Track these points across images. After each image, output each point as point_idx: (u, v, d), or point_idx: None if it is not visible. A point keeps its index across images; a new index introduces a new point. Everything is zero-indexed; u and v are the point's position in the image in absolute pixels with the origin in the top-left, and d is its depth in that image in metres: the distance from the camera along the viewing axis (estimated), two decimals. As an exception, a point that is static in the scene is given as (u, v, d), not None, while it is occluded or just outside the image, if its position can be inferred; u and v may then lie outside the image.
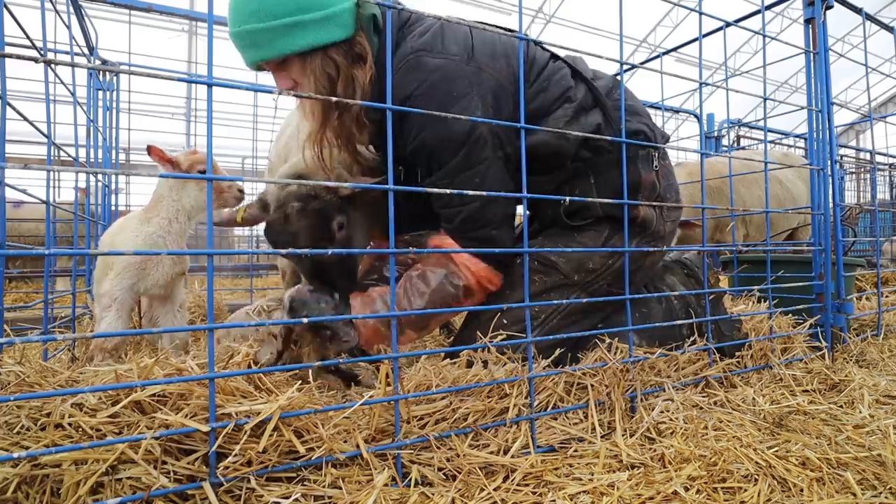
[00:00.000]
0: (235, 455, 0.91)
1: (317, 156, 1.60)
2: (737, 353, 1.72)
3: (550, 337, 1.33)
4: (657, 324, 1.56)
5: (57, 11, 1.93)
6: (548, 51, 1.65)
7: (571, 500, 0.94)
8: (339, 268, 1.64)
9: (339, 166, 1.73)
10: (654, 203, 1.57)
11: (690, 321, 1.68)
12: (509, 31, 1.56)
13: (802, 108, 2.14)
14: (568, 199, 1.38)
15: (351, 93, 1.46)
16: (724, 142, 4.92)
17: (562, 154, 1.56)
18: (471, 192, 1.19)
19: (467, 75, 1.44)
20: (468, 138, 1.44)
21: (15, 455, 0.77)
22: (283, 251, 1.05)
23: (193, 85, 6.55)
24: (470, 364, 1.36)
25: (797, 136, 5.64)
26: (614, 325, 1.58)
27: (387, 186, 1.05)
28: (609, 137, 1.50)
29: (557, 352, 1.43)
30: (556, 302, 1.41)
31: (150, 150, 1.65)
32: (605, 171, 1.61)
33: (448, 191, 1.20)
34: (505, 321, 1.50)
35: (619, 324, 1.59)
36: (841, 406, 1.44)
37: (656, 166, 1.68)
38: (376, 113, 1.52)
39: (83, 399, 0.95)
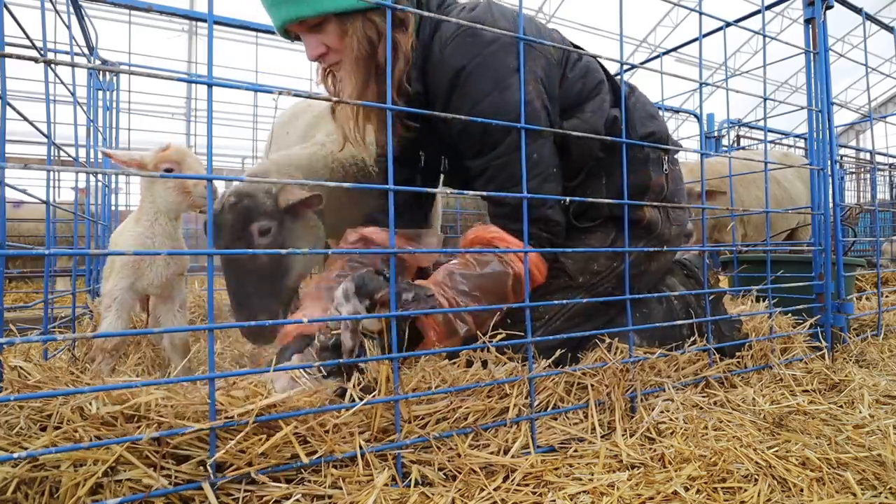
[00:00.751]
0: (235, 455, 0.91)
1: (354, 128, 1.59)
2: (737, 353, 1.72)
3: (550, 337, 1.33)
4: (657, 324, 1.55)
5: (57, 11, 1.93)
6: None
7: (571, 500, 0.94)
8: (264, 277, 1.65)
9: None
10: (656, 203, 1.57)
11: (690, 322, 1.68)
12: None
13: (802, 108, 2.14)
14: (568, 199, 1.38)
15: (393, 58, 1.43)
16: (724, 142, 4.92)
17: (591, 146, 1.57)
18: (468, 192, 1.19)
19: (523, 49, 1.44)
20: (525, 110, 1.40)
21: (15, 455, 0.77)
22: (284, 251, 1.04)
23: (193, 85, 6.55)
24: (469, 364, 1.36)
25: (797, 136, 5.64)
26: (617, 328, 1.57)
27: (386, 186, 1.05)
28: (618, 138, 1.50)
29: (558, 352, 1.43)
30: (556, 302, 1.41)
31: (108, 155, 1.59)
32: (616, 171, 1.61)
33: (448, 190, 1.20)
34: (509, 321, 1.49)
35: (621, 326, 1.58)
36: (841, 406, 1.44)
37: (666, 170, 1.70)
38: (418, 83, 1.50)
39: (87, 411, 0.95)
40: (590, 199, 1.40)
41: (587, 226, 1.63)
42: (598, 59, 1.64)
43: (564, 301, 1.39)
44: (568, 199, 1.38)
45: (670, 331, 1.66)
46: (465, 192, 1.20)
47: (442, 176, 1.86)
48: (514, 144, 1.43)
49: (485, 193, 1.21)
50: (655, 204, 1.57)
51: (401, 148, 1.66)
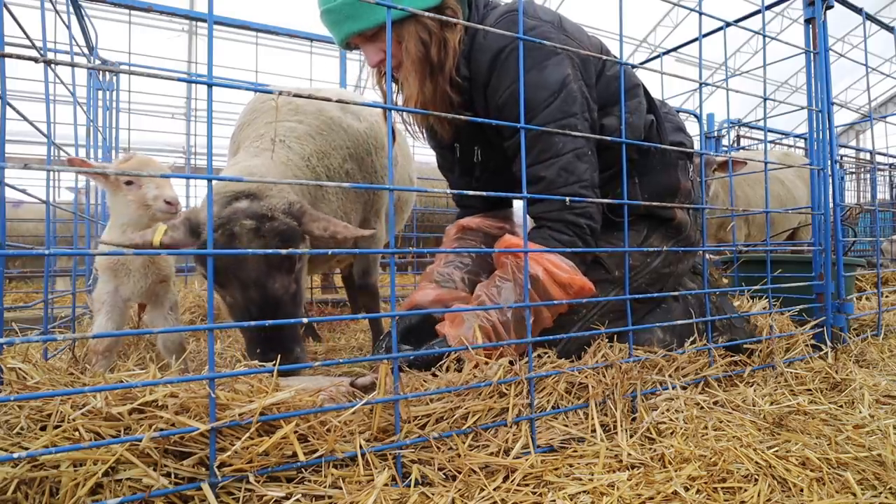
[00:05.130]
0: (235, 455, 0.91)
1: (417, 128, 1.74)
2: (745, 347, 1.75)
3: (549, 337, 1.33)
4: (663, 322, 1.56)
5: (57, 11, 1.93)
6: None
7: (571, 500, 0.94)
8: (287, 306, 1.41)
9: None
10: (655, 203, 1.57)
11: (711, 318, 1.70)
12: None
13: (802, 108, 2.14)
14: (568, 199, 1.38)
15: (444, 56, 1.53)
16: (724, 142, 4.91)
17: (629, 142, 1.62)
18: (469, 193, 1.18)
19: (559, 39, 1.52)
20: (561, 89, 1.48)
21: (15, 455, 0.77)
22: (284, 251, 1.04)
23: (193, 85, 6.54)
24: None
25: (797, 136, 5.64)
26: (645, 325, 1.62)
27: (386, 186, 1.05)
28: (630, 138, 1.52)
29: (582, 352, 1.48)
30: (553, 303, 1.41)
31: (73, 162, 1.52)
32: (649, 173, 1.71)
33: (449, 191, 1.20)
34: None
35: (650, 322, 1.68)
36: (841, 406, 1.44)
37: (692, 177, 1.80)
38: (465, 68, 1.59)
39: (91, 407, 0.95)
40: (589, 200, 1.40)
41: (622, 221, 1.66)
42: (607, 60, 1.65)
43: (554, 302, 1.39)
44: (569, 199, 1.38)
45: (690, 326, 1.71)
46: (466, 192, 1.20)
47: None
48: (549, 115, 1.49)
49: (484, 194, 1.20)
50: (654, 204, 1.57)
51: (452, 137, 1.77)
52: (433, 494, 0.94)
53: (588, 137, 1.52)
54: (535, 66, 1.49)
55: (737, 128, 5.64)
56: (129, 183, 1.60)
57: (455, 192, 1.21)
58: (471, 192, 1.18)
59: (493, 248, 1.54)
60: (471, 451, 1.08)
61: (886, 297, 3.00)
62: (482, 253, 1.81)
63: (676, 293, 1.65)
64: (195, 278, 4.14)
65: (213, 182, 0.91)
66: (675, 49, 2.92)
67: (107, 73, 2.87)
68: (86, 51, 2.68)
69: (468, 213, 2.02)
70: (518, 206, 2.03)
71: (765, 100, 1.94)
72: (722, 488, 0.98)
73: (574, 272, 1.43)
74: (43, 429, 0.94)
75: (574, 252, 1.49)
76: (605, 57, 1.55)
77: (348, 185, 1.01)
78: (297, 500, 0.90)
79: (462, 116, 1.18)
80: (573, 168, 1.50)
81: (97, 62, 2.79)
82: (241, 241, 1.33)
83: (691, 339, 1.68)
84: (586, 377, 1.33)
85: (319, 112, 1.93)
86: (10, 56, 0.82)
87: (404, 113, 1.77)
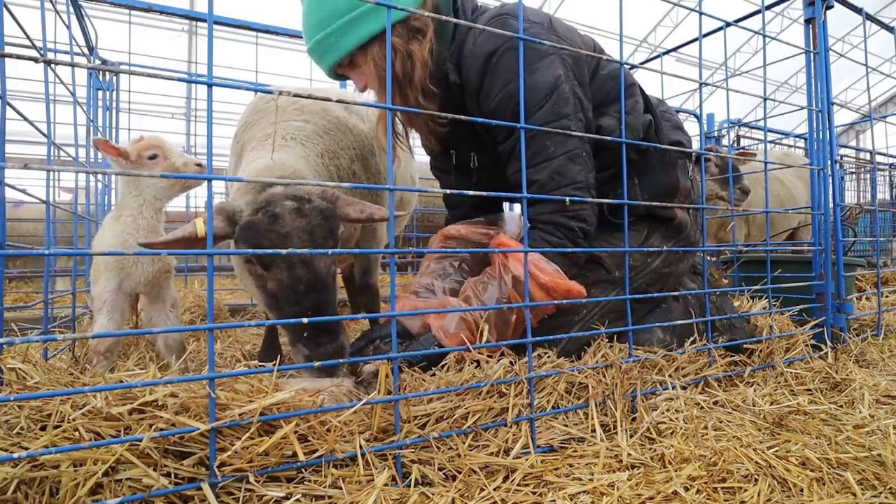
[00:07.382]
0: (235, 455, 0.91)
1: (382, 133, 1.70)
2: (745, 347, 1.75)
3: (549, 337, 1.33)
4: (663, 322, 1.56)
5: (57, 11, 1.93)
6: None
7: (571, 500, 0.94)
8: (333, 287, 1.43)
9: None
10: (655, 204, 1.57)
11: (711, 318, 1.70)
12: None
13: (802, 108, 2.14)
14: (568, 199, 1.38)
15: (410, 68, 1.53)
16: (724, 142, 4.91)
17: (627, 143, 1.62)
18: (468, 193, 1.18)
19: (549, 41, 1.51)
20: (553, 91, 1.49)
21: (15, 455, 0.77)
22: (284, 251, 1.04)
23: (193, 85, 6.54)
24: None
25: (797, 136, 5.64)
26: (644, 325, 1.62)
27: (386, 186, 1.05)
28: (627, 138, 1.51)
29: (582, 351, 1.48)
30: (552, 302, 1.41)
31: (99, 143, 1.58)
32: (648, 173, 1.72)
33: (448, 191, 1.20)
34: (545, 317, 1.53)
35: (650, 322, 1.68)
36: (841, 406, 1.44)
37: (691, 176, 1.80)
38: (455, 74, 1.59)
39: (91, 407, 0.95)
40: (587, 200, 1.40)
41: (621, 222, 1.65)
42: (602, 58, 1.64)
43: (555, 302, 1.38)
44: (568, 199, 1.38)
45: (690, 326, 1.71)
46: (465, 192, 1.19)
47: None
48: (541, 121, 1.49)
49: (484, 194, 1.20)
50: (654, 204, 1.57)
51: (439, 145, 1.77)
52: (433, 494, 0.94)
53: (583, 138, 1.52)
54: (526, 69, 1.49)
55: (737, 128, 5.64)
56: (152, 157, 1.65)
57: (453, 191, 1.21)
58: (470, 193, 1.18)
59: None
60: (471, 451, 1.08)
61: (886, 297, 3.00)
62: (475, 253, 1.81)
63: (676, 293, 1.65)
64: (195, 279, 4.14)
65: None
66: (675, 49, 2.92)
67: (107, 73, 2.87)
68: (86, 51, 2.68)
69: (458, 213, 2.02)
70: (509, 208, 2.03)
71: (765, 100, 1.94)
72: (722, 488, 0.98)
73: (557, 276, 1.40)
74: (43, 429, 0.94)
75: (566, 253, 1.49)
76: (604, 57, 1.55)
77: (347, 185, 1.01)
78: (297, 500, 0.90)
79: (459, 116, 1.18)
80: (565, 171, 1.50)
81: (97, 62, 2.79)
82: (284, 221, 1.33)
83: (691, 339, 1.68)
84: (586, 377, 1.33)
85: (325, 112, 1.92)
86: (10, 56, 0.82)
87: (396, 123, 1.77)
